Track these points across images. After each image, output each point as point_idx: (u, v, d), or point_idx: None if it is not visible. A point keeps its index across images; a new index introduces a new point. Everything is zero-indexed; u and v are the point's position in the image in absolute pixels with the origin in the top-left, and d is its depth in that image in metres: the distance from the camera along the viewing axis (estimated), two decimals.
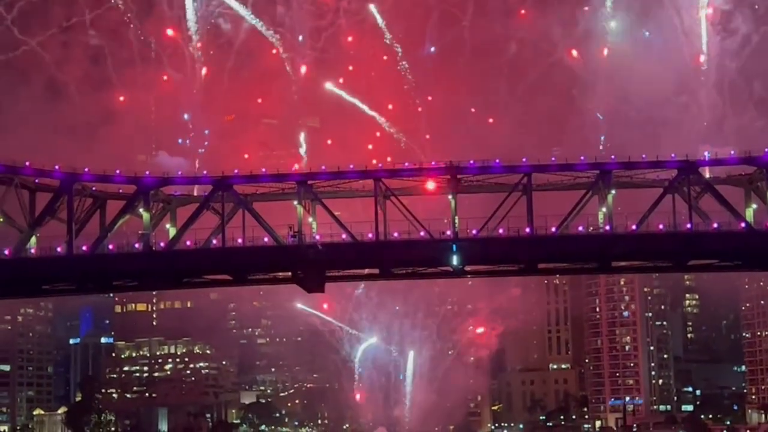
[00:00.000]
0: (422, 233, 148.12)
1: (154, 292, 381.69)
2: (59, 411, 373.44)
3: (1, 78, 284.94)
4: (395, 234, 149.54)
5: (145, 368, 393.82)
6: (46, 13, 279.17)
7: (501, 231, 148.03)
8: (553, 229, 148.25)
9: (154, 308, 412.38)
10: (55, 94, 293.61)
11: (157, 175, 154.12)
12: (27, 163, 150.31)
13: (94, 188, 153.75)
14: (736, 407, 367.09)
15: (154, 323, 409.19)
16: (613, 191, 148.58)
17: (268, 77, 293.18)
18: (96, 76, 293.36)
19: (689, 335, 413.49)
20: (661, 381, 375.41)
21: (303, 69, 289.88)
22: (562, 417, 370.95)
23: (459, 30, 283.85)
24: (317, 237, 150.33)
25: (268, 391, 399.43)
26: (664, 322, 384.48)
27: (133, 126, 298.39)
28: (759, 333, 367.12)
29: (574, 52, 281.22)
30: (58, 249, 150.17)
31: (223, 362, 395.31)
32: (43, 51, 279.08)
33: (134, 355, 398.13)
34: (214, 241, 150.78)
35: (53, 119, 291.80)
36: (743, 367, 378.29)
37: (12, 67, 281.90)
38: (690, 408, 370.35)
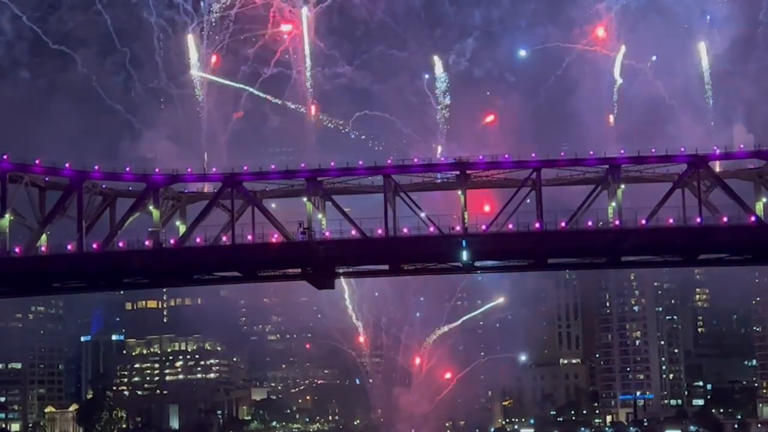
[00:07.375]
0: (432, 229, 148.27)
1: (164, 290, 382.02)
2: (71, 408, 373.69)
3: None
4: (405, 230, 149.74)
5: (156, 366, 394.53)
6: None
7: (510, 226, 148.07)
8: (563, 224, 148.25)
9: (165, 305, 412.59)
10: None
11: (167, 171, 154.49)
12: (37, 161, 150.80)
13: (104, 186, 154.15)
14: (747, 401, 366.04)
15: (165, 320, 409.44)
16: (623, 186, 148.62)
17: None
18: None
19: (700, 329, 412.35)
20: (671, 375, 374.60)
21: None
22: (572, 412, 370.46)
23: None
24: (327, 233, 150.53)
25: (279, 387, 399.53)
26: (675, 317, 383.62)
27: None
28: None
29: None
30: (69, 247, 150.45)
31: (234, 359, 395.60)
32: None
33: (145, 352, 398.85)
34: (224, 239, 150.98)
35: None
36: (754, 362, 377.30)
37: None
38: (701, 402, 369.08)
